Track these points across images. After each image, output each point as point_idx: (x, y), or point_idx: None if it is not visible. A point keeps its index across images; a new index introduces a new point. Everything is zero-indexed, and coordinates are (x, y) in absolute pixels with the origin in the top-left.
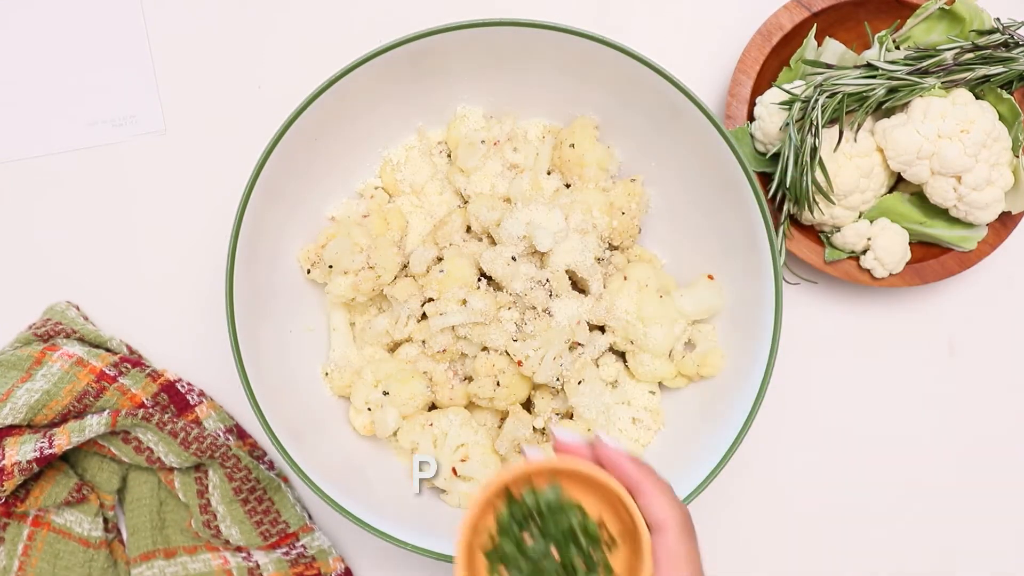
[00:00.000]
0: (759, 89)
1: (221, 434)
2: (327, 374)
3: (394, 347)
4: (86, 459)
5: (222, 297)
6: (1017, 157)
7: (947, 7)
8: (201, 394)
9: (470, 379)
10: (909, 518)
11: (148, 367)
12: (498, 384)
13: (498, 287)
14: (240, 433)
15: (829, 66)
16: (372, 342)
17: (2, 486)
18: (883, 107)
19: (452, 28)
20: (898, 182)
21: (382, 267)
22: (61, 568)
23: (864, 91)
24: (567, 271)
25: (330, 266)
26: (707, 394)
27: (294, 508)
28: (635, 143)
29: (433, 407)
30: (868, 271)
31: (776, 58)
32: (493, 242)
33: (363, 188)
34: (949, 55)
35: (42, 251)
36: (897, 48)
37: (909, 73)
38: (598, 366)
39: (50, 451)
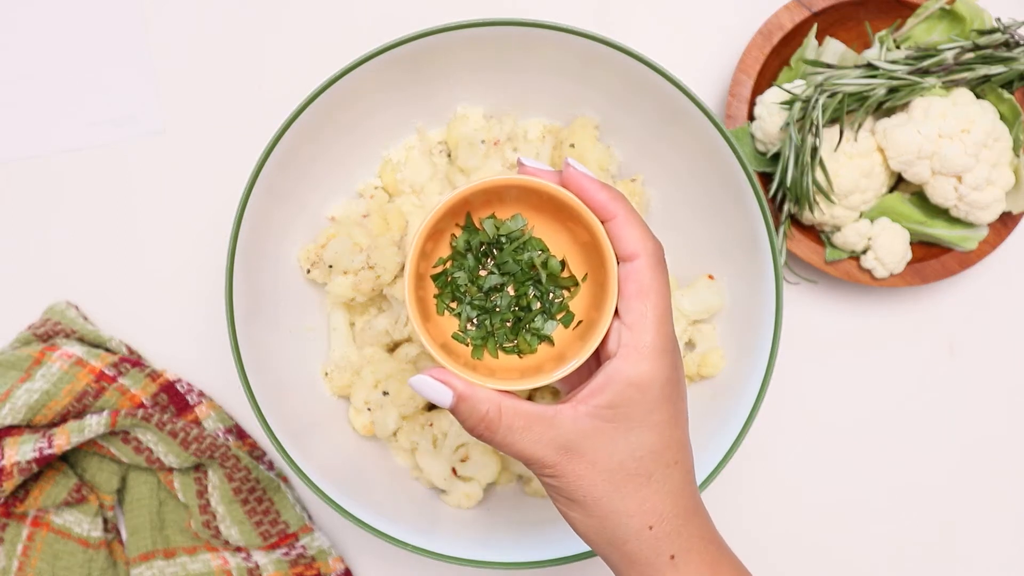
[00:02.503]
0: (759, 89)
1: (221, 434)
2: (327, 374)
3: (394, 347)
4: (86, 459)
5: (222, 297)
6: (1018, 157)
7: (948, 7)
8: (201, 394)
9: None
10: (908, 518)
11: (148, 367)
12: None
13: None
14: (240, 433)
15: (829, 66)
16: (372, 342)
17: (1, 486)
18: (883, 107)
19: (452, 28)
20: (898, 182)
21: (382, 267)
22: (60, 568)
23: (864, 91)
24: None
25: (330, 266)
26: (707, 394)
27: (294, 508)
28: (635, 143)
29: (433, 407)
30: (868, 271)
31: (776, 58)
32: None
33: (363, 188)
34: (950, 55)
35: (42, 251)
36: (898, 48)
37: (910, 73)
38: None
39: (49, 451)
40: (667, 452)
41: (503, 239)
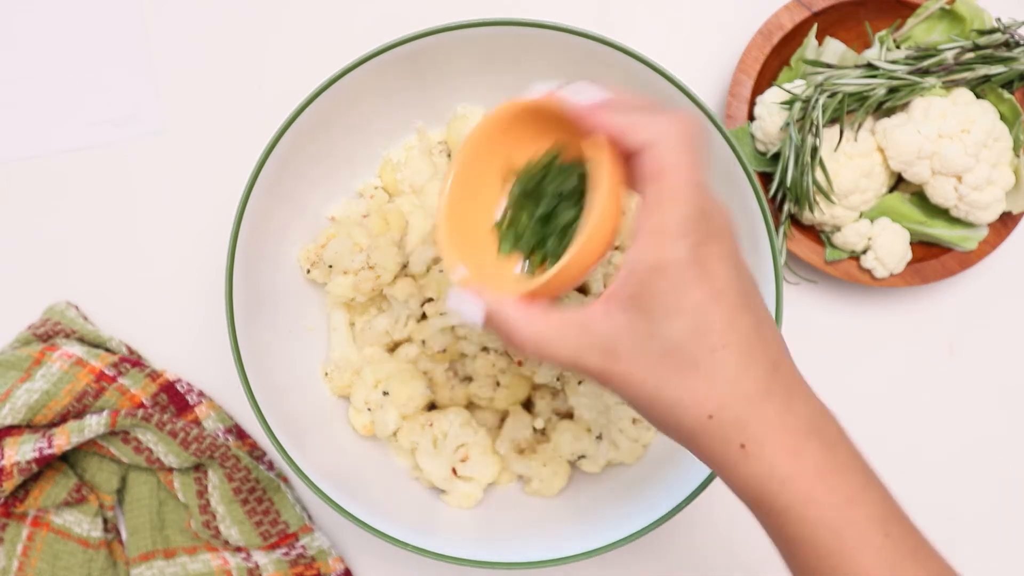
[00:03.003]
0: (759, 89)
1: (221, 434)
2: (327, 374)
3: (394, 347)
4: (85, 459)
5: (222, 297)
6: (1018, 157)
7: (948, 7)
8: (201, 394)
9: (470, 379)
10: None
11: (148, 367)
12: (498, 384)
13: None
14: (240, 433)
15: (829, 66)
16: (372, 342)
17: (1, 486)
18: (883, 107)
19: (452, 28)
20: (899, 182)
21: (382, 267)
22: (60, 568)
23: (864, 91)
24: None
25: (330, 266)
26: None
27: (294, 508)
28: None
29: (433, 407)
30: (868, 271)
31: (776, 58)
32: None
33: (363, 188)
34: (950, 55)
35: (42, 251)
36: (898, 48)
37: (910, 73)
38: None
39: (49, 451)
40: (710, 335)
41: (550, 172)
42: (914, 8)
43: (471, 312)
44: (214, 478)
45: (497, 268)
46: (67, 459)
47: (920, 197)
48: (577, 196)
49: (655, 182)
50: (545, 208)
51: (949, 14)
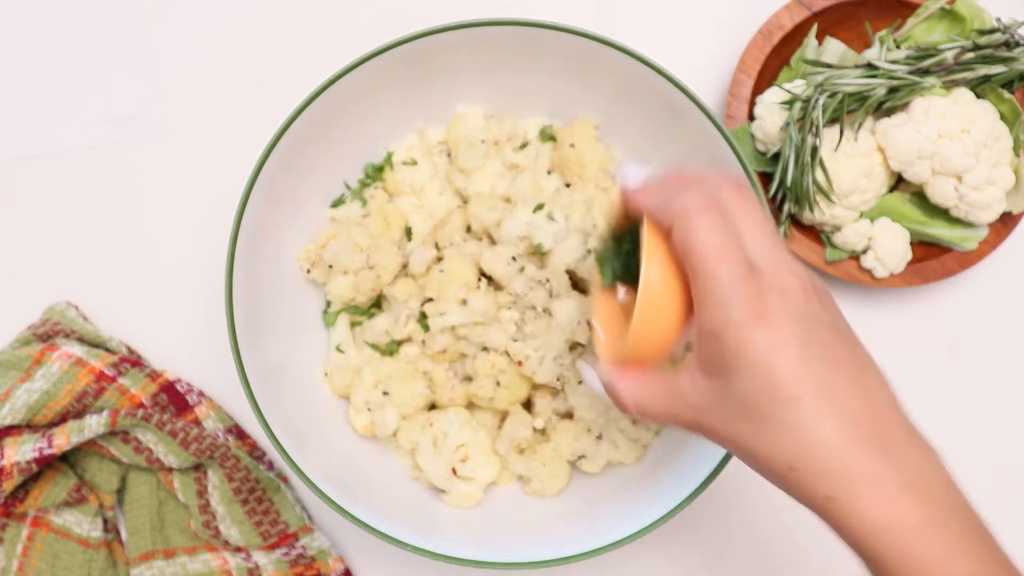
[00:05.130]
0: (759, 89)
1: (221, 434)
2: (327, 374)
3: (395, 347)
4: (85, 459)
5: (222, 297)
6: (1018, 157)
7: (948, 7)
8: (201, 394)
9: (470, 379)
10: None
11: (147, 367)
12: (498, 384)
13: (498, 287)
14: (240, 433)
15: (830, 66)
16: (372, 342)
17: (1, 486)
18: (884, 107)
19: (452, 28)
20: (899, 182)
21: (382, 267)
22: (60, 568)
23: (865, 91)
24: (567, 271)
25: (330, 266)
26: None
27: (294, 508)
28: (635, 143)
29: (433, 407)
30: (869, 271)
31: (776, 58)
32: (493, 242)
33: (363, 188)
34: (950, 55)
35: (42, 251)
36: (898, 48)
37: (910, 73)
38: None
39: (49, 451)
40: (778, 389)
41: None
42: (914, 8)
43: (594, 384)
44: (214, 478)
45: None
46: (67, 459)
47: (920, 197)
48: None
49: (687, 258)
50: (621, 259)
51: (949, 14)
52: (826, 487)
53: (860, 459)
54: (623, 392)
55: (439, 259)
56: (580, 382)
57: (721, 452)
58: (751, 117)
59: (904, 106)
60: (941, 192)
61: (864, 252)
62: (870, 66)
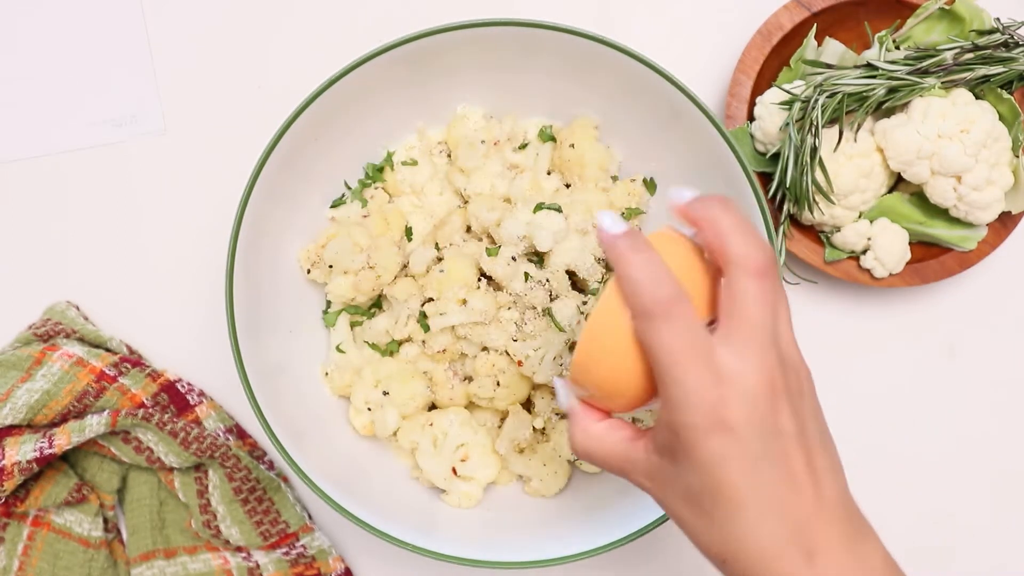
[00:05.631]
0: (759, 89)
1: (221, 434)
2: (327, 374)
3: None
4: (86, 459)
5: (222, 297)
6: (1017, 157)
7: (947, 7)
8: (201, 394)
9: (470, 379)
10: (908, 517)
11: (148, 367)
12: (498, 384)
13: (498, 287)
14: (240, 433)
15: (829, 66)
16: (372, 342)
17: (2, 486)
18: (883, 107)
19: (452, 28)
20: (898, 182)
21: (382, 267)
22: (61, 568)
23: (864, 91)
24: (567, 271)
25: (330, 266)
26: None
27: (294, 508)
28: (635, 143)
29: (433, 407)
30: (868, 271)
31: (776, 58)
32: (493, 242)
33: (363, 188)
34: (949, 55)
35: (42, 251)
36: (897, 48)
37: (909, 73)
38: None
39: (50, 451)
40: (722, 492)
41: None
42: (914, 8)
43: (562, 401)
44: (214, 478)
45: None
46: (68, 459)
47: (920, 197)
48: None
49: (731, 310)
50: None
51: (948, 14)
52: None
53: (786, 568)
54: (578, 431)
55: (439, 259)
56: None
57: None
58: (751, 117)
59: (903, 106)
60: (940, 192)
61: (863, 252)
62: (869, 66)
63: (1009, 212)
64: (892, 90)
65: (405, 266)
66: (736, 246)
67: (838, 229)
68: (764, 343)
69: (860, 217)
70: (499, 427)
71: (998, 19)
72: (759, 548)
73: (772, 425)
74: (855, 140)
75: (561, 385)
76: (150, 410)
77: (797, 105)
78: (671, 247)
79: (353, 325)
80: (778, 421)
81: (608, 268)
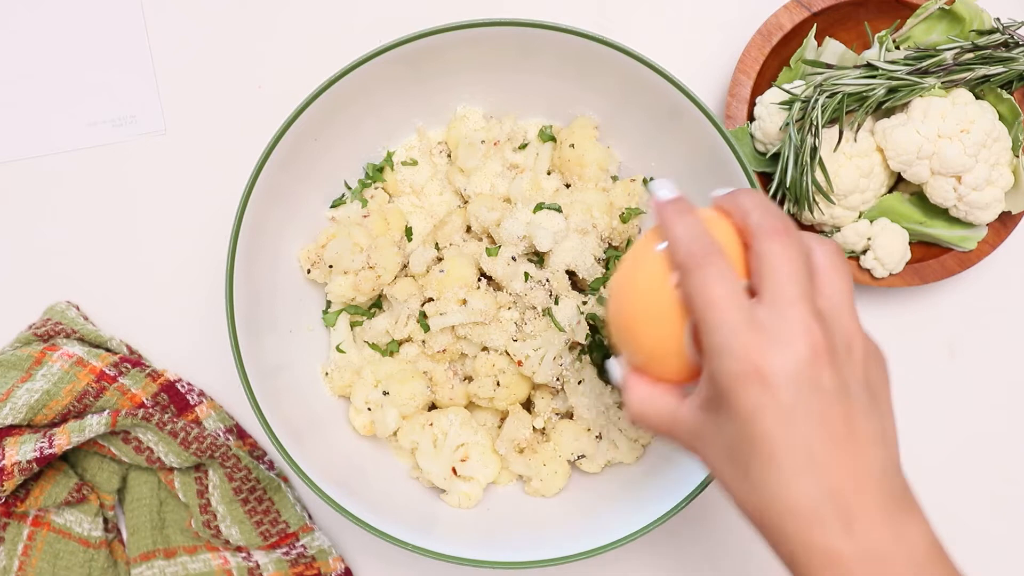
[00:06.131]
0: (759, 89)
1: (221, 434)
2: (327, 374)
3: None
4: (86, 459)
5: (222, 297)
6: (1017, 157)
7: (947, 7)
8: (201, 394)
9: (470, 379)
10: None
11: (148, 367)
12: (498, 384)
13: (498, 287)
14: (240, 433)
15: (829, 66)
16: (372, 342)
17: (2, 486)
18: (883, 107)
19: (452, 28)
20: (898, 182)
21: (382, 267)
22: (61, 568)
23: (864, 91)
24: (567, 271)
25: (330, 266)
26: None
27: (294, 508)
28: (635, 143)
29: (433, 407)
30: (868, 271)
31: (776, 58)
32: (493, 242)
33: (363, 188)
34: (949, 55)
35: (42, 251)
36: (897, 48)
37: (909, 73)
38: None
39: (50, 451)
40: (757, 445)
41: None
42: (914, 8)
43: (615, 377)
44: (215, 478)
45: None
46: (68, 459)
47: (919, 197)
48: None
49: (696, 318)
50: None
51: (948, 14)
52: (789, 548)
53: (822, 532)
54: (631, 397)
55: (439, 259)
56: (580, 382)
57: None
58: (751, 117)
59: (903, 106)
60: (940, 192)
61: (864, 252)
62: (869, 66)
63: (1009, 212)
64: (892, 90)
65: (405, 266)
66: (756, 217)
67: (838, 229)
68: (794, 297)
69: (860, 217)
70: (499, 427)
71: (998, 19)
72: (793, 506)
73: (808, 379)
74: (855, 140)
75: (614, 364)
76: (150, 410)
77: (797, 105)
78: (714, 224)
79: (353, 325)
80: (817, 377)
81: (608, 267)
